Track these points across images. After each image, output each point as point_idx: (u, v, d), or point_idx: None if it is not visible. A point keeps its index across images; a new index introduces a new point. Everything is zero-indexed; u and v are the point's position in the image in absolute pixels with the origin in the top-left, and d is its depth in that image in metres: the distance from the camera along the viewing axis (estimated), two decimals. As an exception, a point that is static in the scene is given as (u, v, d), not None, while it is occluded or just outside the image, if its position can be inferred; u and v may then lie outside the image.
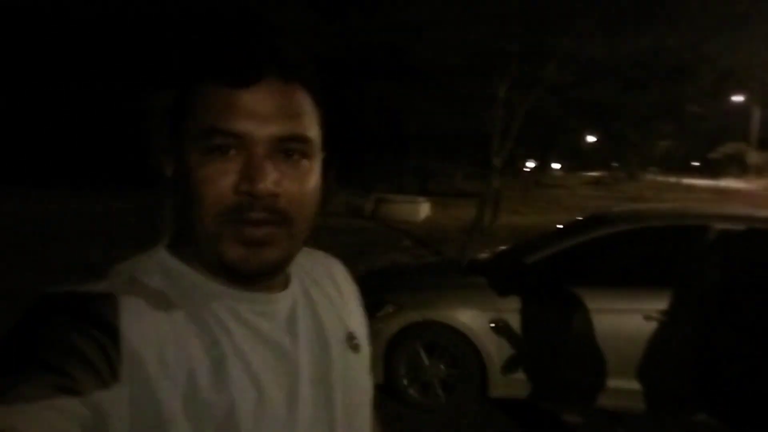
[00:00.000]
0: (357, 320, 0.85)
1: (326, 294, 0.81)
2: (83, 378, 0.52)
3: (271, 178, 0.62)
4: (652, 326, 3.43)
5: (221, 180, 0.62)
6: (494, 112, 8.44)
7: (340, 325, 0.79)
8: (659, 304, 3.45)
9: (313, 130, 0.67)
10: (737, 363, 3.05)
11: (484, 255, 4.75)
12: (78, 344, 0.54)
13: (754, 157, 49.19)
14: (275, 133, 0.63)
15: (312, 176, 0.67)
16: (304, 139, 0.65)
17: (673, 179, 48.71)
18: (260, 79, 0.62)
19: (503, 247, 4.85)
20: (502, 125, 8.62)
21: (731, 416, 3.28)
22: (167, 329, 0.61)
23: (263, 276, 0.67)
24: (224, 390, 0.61)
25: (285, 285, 0.73)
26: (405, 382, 3.81)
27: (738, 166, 49.01)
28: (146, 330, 0.59)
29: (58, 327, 0.55)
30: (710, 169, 57.25)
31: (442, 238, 11.07)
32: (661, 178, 51.00)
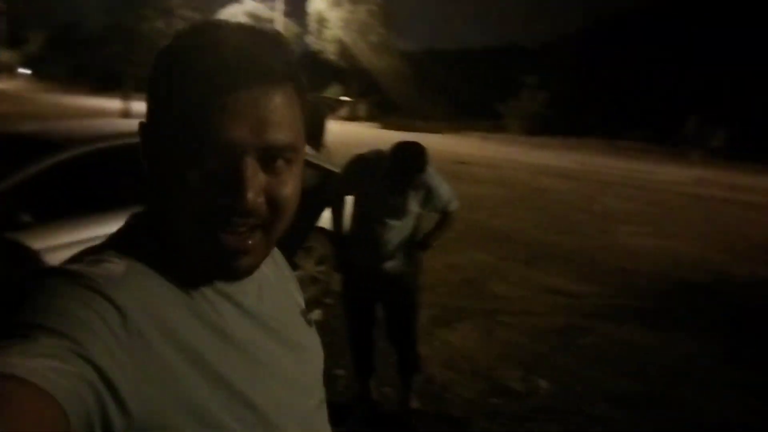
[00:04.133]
0: (302, 299, 0.89)
1: (275, 274, 0.83)
2: (88, 344, 0.52)
3: (256, 189, 0.61)
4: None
5: (203, 187, 0.60)
6: None
7: (294, 302, 0.85)
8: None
9: (299, 135, 0.66)
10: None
11: None
12: (82, 314, 0.54)
13: (4, 55, 47.50)
14: (261, 142, 0.61)
15: (295, 182, 0.66)
16: (290, 147, 0.64)
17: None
18: (246, 83, 0.60)
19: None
20: None
21: None
22: (167, 303, 0.62)
23: (237, 279, 0.68)
24: (229, 356, 0.65)
25: None
26: None
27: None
28: (148, 305, 0.60)
29: (62, 297, 0.55)
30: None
31: None
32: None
